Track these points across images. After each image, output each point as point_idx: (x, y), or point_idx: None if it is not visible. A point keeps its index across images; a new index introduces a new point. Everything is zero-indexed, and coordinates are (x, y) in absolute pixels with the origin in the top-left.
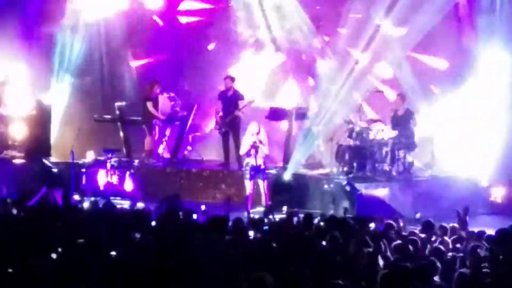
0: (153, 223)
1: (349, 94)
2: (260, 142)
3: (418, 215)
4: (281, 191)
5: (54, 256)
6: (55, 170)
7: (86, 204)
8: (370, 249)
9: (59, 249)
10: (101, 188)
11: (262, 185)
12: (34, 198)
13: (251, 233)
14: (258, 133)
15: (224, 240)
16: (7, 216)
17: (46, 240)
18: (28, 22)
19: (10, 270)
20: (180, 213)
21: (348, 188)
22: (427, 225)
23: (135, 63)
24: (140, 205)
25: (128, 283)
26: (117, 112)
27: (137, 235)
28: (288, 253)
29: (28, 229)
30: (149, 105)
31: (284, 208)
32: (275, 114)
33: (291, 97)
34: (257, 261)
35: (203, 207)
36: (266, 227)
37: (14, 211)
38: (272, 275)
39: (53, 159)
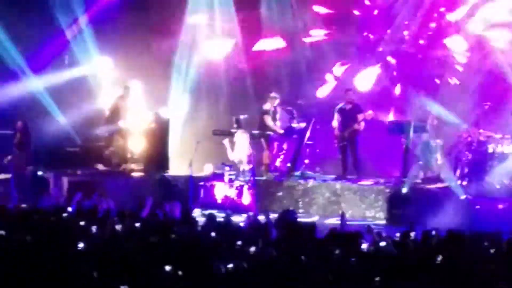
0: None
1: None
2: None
3: None
4: (398, 205)
5: (168, 268)
6: (173, 183)
7: (203, 218)
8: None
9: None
10: (219, 201)
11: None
12: (145, 209)
13: (364, 246)
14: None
15: (337, 253)
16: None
17: (161, 252)
18: (147, 37)
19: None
20: (298, 227)
21: (465, 202)
22: None
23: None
24: (259, 218)
25: None
26: (235, 125)
27: (252, 249)
28: (405, 268)
29: (142, 242)
30: (267, 118)
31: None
32: (394, 128)
33: (407, 110)
34: (371, 275)
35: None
36: (383, 243)
37: (118, 227)
38: None
39: (171, 172)
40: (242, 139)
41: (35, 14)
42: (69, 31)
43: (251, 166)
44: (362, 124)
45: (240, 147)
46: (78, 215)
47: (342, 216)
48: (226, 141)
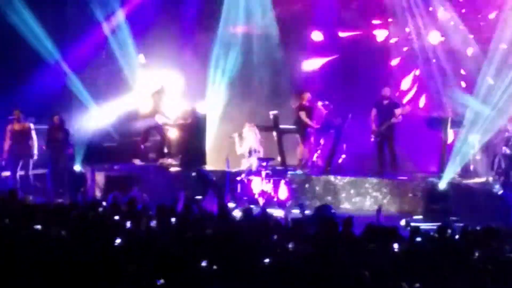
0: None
1: (507, 102)
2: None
3: None
4: (436, 200)
5: (204, 264)
6: (211, 178)
7: (240, 212)
8: None
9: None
10: (256, 196)
11: None
12: (178, 204)
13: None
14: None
15: (374, 248)
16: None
17: (197, 247)
18: (185, 31)
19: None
20: (336, 222)
21: (502, 197)
22: None
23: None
24: (295, 213)
25: None
26: (272, 121)
27: (291, 245)
28: (441, 264)
29: (178, 237)
30: (302, 114)
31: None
32: (432, 123)
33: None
34: (408, 271)
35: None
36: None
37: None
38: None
39: (208, 167)
40: (249, 134)
41: (73, 8)
42: (106, 26)
43: (258, 162)
44: (400, 118)
45: (247, 142)
46: (115, 210)
47: (379, 211)
48: (235, 135)
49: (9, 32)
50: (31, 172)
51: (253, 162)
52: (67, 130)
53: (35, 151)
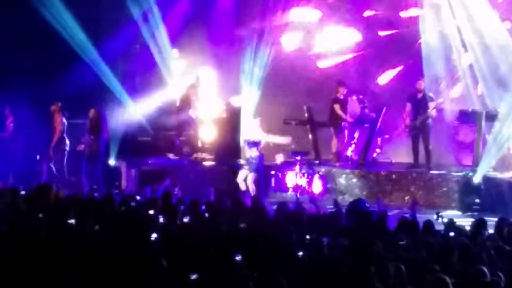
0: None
1: None
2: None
3: None
4: (470, 194)
5: (238, 258)
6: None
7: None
8: None
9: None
10: (290, 190)
11: (249, 176)
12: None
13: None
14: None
15: (408, 242)
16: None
17: (231, 241)
18: (219, 25)
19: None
20: (370, 216)
21: None
22: None
23: (322, 63)
24: (329, 207)
25: (319, 284)
26: (306, 114)
27: (325, 239)
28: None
29: (212, 231)
30: (337, 107)
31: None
32: (465, 116)
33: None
34: (441, 263)
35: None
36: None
37: (188, 216)
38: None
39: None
40: (252, 125)
41: (106, 2)
42: (140, 20)
43: (258, 153)
44: (434, 112)
45: (249, 133)
46: (149, 204)
47: (414, 205)
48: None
49: (44, 27)
50: (65, 166)
51: (251, 155)
52: (104, 123)
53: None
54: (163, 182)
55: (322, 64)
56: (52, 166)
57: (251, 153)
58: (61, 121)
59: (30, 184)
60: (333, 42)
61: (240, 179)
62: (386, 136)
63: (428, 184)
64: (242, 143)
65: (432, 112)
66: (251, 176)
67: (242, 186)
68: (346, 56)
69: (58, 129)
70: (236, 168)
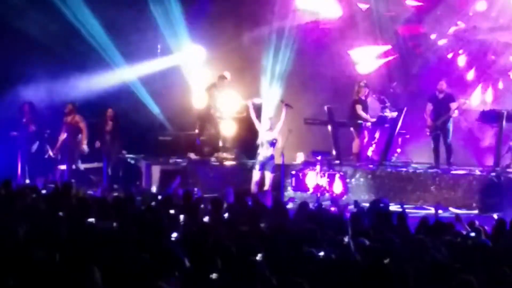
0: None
1: None
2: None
3: None
4: (492, 194)
5: (259, 257)
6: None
7: (292, 205)
8: None
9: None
10: (310, 190)
11: (269, 176)
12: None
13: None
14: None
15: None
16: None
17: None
18: (240, 25)
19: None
20: (390, 216)
21: None
22: None
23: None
24: (350, 207)
25: (339, 284)
26: (327, 114)
27: (345, 238)
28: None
29: (232, 231)
30: (358, 108)
31: None
32: (487, 116)
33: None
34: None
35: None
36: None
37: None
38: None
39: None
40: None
41: (128, 1)
42: (162, 19)
43: (272, 151)
44: (456, 112)
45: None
46: (169, 203)
47: (437, 207)
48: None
49: (66, 27)
50: (85, 166)
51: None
52: (121, 124)
53: (84, 145)
54: (184, 182)
55: (362, 69)
56: (76, 165)
57: (268, 152)
58: (83, 120)
59: (48, 183)
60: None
61: (254, 180)
62: (407, 136)
63: (449, 184)
64: (259, 142)
65: (454, 112)
66: (270, 176)
67: (254, 188)
68: (381, 60)
69: (84, 129)
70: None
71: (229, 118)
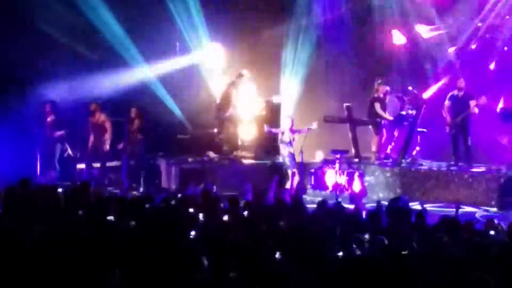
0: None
1: None
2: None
3: None
4: (510, 192)
5: (278, 256)
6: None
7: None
8: None
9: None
10: (329, 188)
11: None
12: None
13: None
14: (292, 128)
15: (453, 241)
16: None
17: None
18: (261, 22)
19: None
20: (409, 214)
21: None
22: None
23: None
24: (369, 205)
25: (357, 283)
26: (346, 112)
27: (366, 236)
28: None
29: (251, 229)
30: (377, 106)
31: None
32: (506, 114)
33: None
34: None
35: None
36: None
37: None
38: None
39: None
40: (285, 123)
41: (147, 0)
42: (181, 18)
43: (292, 150)
44: (476, 110)
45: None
46: (188, 202)
47: (457, 206)
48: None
49: (87, 26)
50: (106, 164)
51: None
52: (142, 123)
53: (107, 144)
54: (203, 181)
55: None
56: (103, 164)
57: (288, 150)
58: (109, 119)
59: (69, 182)
60: None
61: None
62: (425, 130)
63: (468, 181)
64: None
65: (473, 109)
66: (290, 174)
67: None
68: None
69: (109, 128)
70: (276, 166)
71: (247, 116)
